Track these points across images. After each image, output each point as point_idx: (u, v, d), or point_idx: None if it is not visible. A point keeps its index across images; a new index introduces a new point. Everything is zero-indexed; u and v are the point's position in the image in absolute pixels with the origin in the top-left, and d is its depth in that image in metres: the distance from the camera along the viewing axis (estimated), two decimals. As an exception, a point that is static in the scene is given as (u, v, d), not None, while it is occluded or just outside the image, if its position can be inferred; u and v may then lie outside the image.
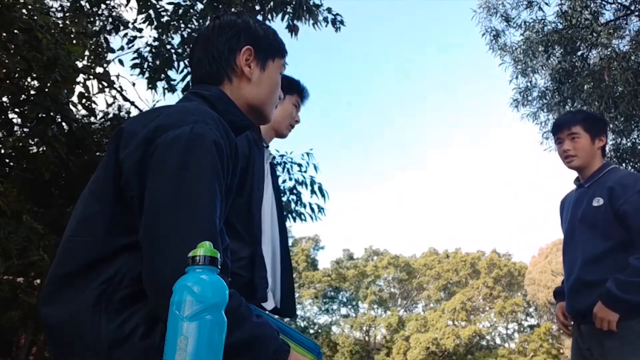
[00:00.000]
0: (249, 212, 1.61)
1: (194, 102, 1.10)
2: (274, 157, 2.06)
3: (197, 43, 1.23)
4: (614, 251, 2.05)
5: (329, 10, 5.47)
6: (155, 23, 5.03)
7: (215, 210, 0.91)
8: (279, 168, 6.16)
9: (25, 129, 4.89)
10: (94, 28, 5.43)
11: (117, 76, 5.35)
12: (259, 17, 5.10)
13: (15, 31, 3.90)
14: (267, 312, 1.47)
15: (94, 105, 4.80)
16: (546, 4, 7.32)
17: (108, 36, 5.34)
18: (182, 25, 5.15)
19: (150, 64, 5.29)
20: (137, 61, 5.27)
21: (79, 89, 4.63)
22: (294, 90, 1.93)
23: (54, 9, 5.50)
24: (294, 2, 5.14)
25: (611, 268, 2.02)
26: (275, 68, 1.24)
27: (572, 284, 2.15)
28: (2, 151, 4.84)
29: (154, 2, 5.05)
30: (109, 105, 5.74)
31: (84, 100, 4.68)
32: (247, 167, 1.63)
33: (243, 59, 1.17)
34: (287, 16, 5.26)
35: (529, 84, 7.95)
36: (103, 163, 1.01)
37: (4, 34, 3.97)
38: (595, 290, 2.03)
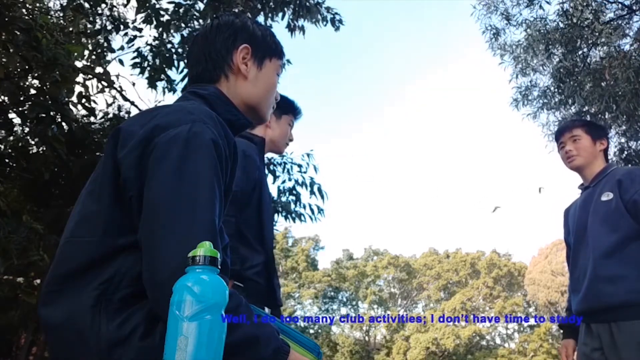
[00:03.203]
0: (259, 221, 1.65)
1: (192, 101, 1.10)
2: (269, 162, 2.22)
3: (195, 42, 1.24)
4: (627, 244, 2.05)
5: (328, 9, 5.49)
6: (154, 22, 5.03)
7: (214, 210, 0.91)
8: (279, 168, 6.17)
9: (25, 129, 4.89)
10: (95, 28, 5.42)
11: (117, 76, 5.34)
12: (260, 17, 5.11)
13: (15, 31, 3.90)
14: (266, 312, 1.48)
15: (93, 105, 4.80)
16: (547, 2, 7.31)
17: (109, 35, 5.34)
18: (183, 25, 5.15)
19: (150, 63, 5.29)
20: (137, 60, 5.27)
21: (78, 88, 4.63)
22: (289, 110, 2.01)
23: (53, 9, 5.51)
24: (294, 2, 5.15)
25: (626, 261, 2.02)
26: (272, 68, 1.24)
27: (589, 281, 2.11)
28: (2, 151, 4.83)
29: (154, 1, 5.05)
30: (109, 105, 5.74)
31: (83, 100, 4.67)
32: (258, 178, 1.69)
33: (240, 57, 1.18)
34: (287, 16, 5.27)
35: (529, 83, 7.94)
36: (101, 163, 1.01)
37: (4, 34, 3.97)
38: (611, 285, 2.01)
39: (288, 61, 5.49)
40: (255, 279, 1.57)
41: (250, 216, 1.64)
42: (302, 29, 5.34)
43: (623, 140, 7.23)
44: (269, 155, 2.50)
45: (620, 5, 7.12)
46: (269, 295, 1.59)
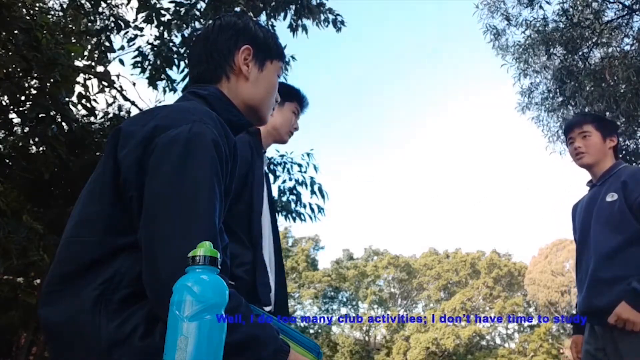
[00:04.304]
0: (249, 218, 1.62)
1: (192, 101, 1.10)
2: (270, 162, 2.11)
3: (197, 42, 1.24)
4: (628, 246, 2.03)
5: (330, 10, 5.51)
6: (155, 22, 5.03)
7: (214, 210, 0.91)
8: (279, 168, 6.16)
9: (25, 129, 4.89)
10: (95, 27, 5.42)
11: (118, 76, 5.34)
12: (263, 16, 5.12)
13: (15, 31, 3.90)
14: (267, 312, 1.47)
15: (94, 104, 4.80)
16: (547, 2, 7.29)
17: (110, 34, 5.33)
18: (184, 25, 5.15)
19: (151, 62, 5.29)
20: (138, 59, 5.27)
21: (78, 88, 4.63)
22: (294, 98, 1.94)
23: (54, 9, 5.50)
24: (296, 3, 5.17)
25: (626, 263, 2.00)
26: (273, 70, 1.24)
27: (589, 282, 2.11)
28: (2, 151, 4.83)
29: (155, 1, 5.04)
30: (109, 105, 5.74)
31: (83, 100, 4.67)
32: (248, 173, 1.65)
33: (241, 58, 1.18)
34: (289, 16, 5.29)
35: (530, 84, 7.91)
36: (101, 163, 1.01)
37: (4, 34, 3.97)
38: (611, 287, 2.00)
39: (292, 57, 5.49)
40: (244, 277, 1.55)
41: (241, 212, 1.61)
42: (304, 27, 5.36)
43: (622, 140, 7.21)
44: (268, 154, 2.45)
45: (620, 6, 7.11)
46: (253, 294, 1.56)
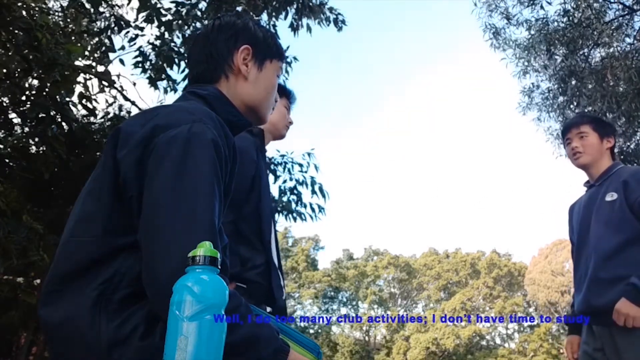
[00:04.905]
0: (258, 219, 1.61)
1: (191, 101, 1.10)
2: (270, 162, 2.12)
3: (196, 42, 1.24)
4: (628, 246, 2.03)
5: (331, 9, 5.51)
6: (156, 22, 5.03)
7: (214, 210, 0.91)
8: (280, 168, 6.16)
9: (25, 129, 4.89)
10: (95, 27, 5.42)
11: (118, 76, 5.34)
12: (264, 16, 5.12)
13: (16, 31, 3.90)
14: (267, 312, 1.47)
15: (94, 104, 4.80)
16: (548, 2, 7.28)
17: (110, 34, 5.33)
18: (185, 25, 5.16)
19: (152, 62, 5.30)
20: (139, 59, 5.27)
21: (79, 88, 4.63)
22: (282, 93, 1.99)
23: (54, 10, 5.50)
24: (297, 2, 5.17)
25: (626, 263, 2.00)
26: (272, 69, 1.24)
27: (588, 282, 2.10)
28: (2, 151, 4.83)
29: (156, 0, 5.05)
30: (109, 105, 5.74)
31: (84, 100, 4.67)
32: (255, 174, 1.64)
33: (241, 58, 1.18)
34: (290, 15, 5.29)
35: (531, 85, 7.90)
36: (101, 163, 1.01)
37: (4, 34, 3.97)
38: (611, 287, 2.00)
39: (295, 58, 5.49)
40: (258, 281, 1.54)
41: (250, 214, 1.59)
42: (308, 27, 5.37)
43: (621, 141, 7.20)
44: (268, 154, 2.45)
45: (621, 6, 7.10)
46: (270, 297, 1.56)
